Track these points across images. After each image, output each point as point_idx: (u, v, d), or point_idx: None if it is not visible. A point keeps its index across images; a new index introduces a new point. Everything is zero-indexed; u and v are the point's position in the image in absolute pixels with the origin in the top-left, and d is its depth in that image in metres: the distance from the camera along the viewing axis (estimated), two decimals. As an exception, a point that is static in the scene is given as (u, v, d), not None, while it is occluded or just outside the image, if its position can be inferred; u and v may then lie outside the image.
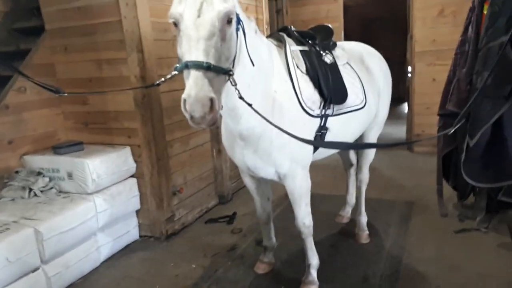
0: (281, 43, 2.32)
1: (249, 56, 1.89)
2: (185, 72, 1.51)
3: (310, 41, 2.43)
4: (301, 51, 2.33)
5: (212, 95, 1.45)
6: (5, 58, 3.68)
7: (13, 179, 3.05)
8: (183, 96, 1.46)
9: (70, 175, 3.02)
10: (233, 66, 1.66)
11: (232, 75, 1.61)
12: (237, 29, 1.71)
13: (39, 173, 3.11)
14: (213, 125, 1.52)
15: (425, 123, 5.28)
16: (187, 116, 1.48)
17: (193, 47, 1.50)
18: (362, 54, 2.85)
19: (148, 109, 3.16)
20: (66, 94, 2.01)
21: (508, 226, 3.14)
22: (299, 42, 2.38)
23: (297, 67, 2.26)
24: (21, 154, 3.25)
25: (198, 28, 1.50)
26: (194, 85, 1.44)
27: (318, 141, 2.34)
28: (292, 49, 2.28)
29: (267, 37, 2.45)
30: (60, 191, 3.10)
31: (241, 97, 1.70)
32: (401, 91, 8.42)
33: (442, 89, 3.44)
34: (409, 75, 5.69)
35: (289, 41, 2.31)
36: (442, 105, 3.38)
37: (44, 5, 3.43)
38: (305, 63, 2.30)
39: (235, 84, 1.63)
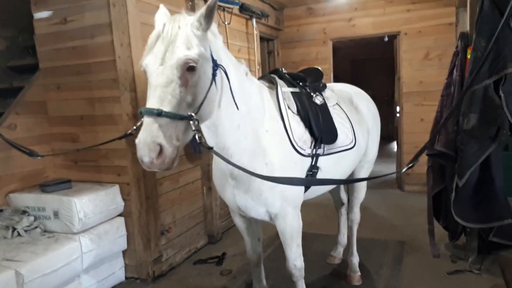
0: (272, 84, 2.36)
1: (234, 99, 1.91)
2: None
3: (300, 83, 2.50)
4: (292, 92, 2.38)
5: (161, 140, 1.51)
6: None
7: (-3, 218, 2.97)
8: (136, 141, 1.53)
9: (56, 214, 2.95)
10: (197, 112, 1.65)
11: (193, 120, 1.62)
12: (214, 74, 1.74)
13: (24, 212, 3.04)
14: (166, 169, 1.57)
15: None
16: (139, 160, 1.53)
17: (150, 95, 1.57)
18: (351, 95, 2.92)
19: (139, 147, 3.15)
20: (40, 158, 1.99)
21: (501, 268, 3.10)
22: (290, 84, 2.43)
23: (288, 107, 2.29)
24: (7, 192, 3.18)
25: (158, 76, 1.57)
26: (143, 131, 1.52)
27: (301, 179, 2.30)
28: (283, 90, 2.33)
29: (259, 78, 2.51)
30: (45, 231, 3.01)
31: (200, 142, 1.71)
32: (390, 130, 8.58)
33: (430, 130, 3.51)
34: (398, 114, 5.81)
35: (280, 82, 2.36)
36: (431, 146, 3.44)
37: (40, 44, 3.49)
38: (296, 104, 2.34)
39: (196, 130, 1.64)
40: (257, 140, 2.09)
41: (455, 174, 3.08)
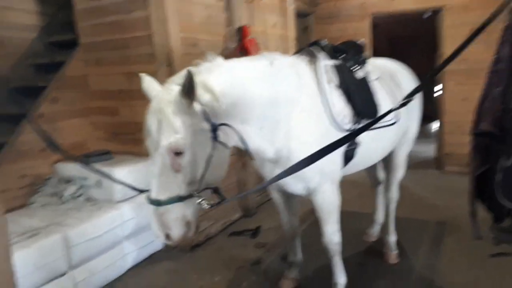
0: (312, 57, 2.30)
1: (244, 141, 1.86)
2: None
3: (341, 56, 2.42)
4: (332, 65, 2.31)
5: (164, 229, 1.61)
6: (40, 70, 3.84)
7: (44, 186, 3.12)
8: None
9: (98, 184, 3.07)
10: (201, 184, 1.63)
11: (196, 196, 1.62)
12: (214, 137, 1.67)
13: (69, 181, 3.18)
14: (185, 243, 1.67)
15: (456, 142, 5.15)
16: None
17: (150, 183, 1.62)
18: (392, 70, 2.82)
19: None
20: (64, 155, 1.88)
21: (548, 252, 2.97)
22: (330, 57, 2.36)
23: (329, 81, 2.23)
24: (53, 162, 3.33)
25: (153, 165, 1.61)
26: (151, 222, 1.64)
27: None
28: (323, 63, 2.26)
29: (298, 51, 2.45)
30: (89, 199, 3.15)
31: (212, 206, 1.68)
32: (429, 110, 8.27)
33: (475, 108, 3.34)
34: (438, 93, 5.58)
35: (321, 55, 2.29)
36: (476, 124, 3.28)
37: (79, 20, 3.57)
38: (337, 77, 2.27)
39: (202, 201, 1.63)
40: (289, 123, 2.05)
41: (502, 155, 2.94)
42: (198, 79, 1.61)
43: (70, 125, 3.54)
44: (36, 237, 2.47)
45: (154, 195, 1.60)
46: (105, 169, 3.01)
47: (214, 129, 1.67)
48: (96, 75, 3.61)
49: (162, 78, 3.12)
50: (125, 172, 3.05)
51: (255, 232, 3.68)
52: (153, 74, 3.14)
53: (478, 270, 2.85)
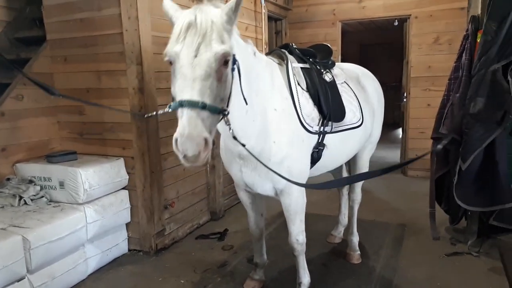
0: (282, 60, 2.35)
1: (242, 92, 1.88)
2: (179, 110, 1.49)
3: (310, 59, 2.48)
4: (302, 68, 2.37)
5: (206, 134, 1.47)
6: (4, 66, 3.71)
7: (3, 187, 3.01)
8: (176, 135, 1.46)
9: (61, 184, 2.99)
10: (227, 105, 1.65)
11: (226, 115, 1.63)
12: (233, 69, 1.70)
13: (30, 181, 3.08)
14: (206, 163, 1.57)
15: (418, 147, 5.34)
16: (180, 155, 1.47)
17: (188, 86, 1.49)
18: (358, 75, 2.91)
19: (144, 121, 3.16)
20: (60, 97, 1.87)
21: (499, 251, 3.13)
22: (300, 60, 2.42)
23: (298, 84, 2.29)
24: (14, 162, 3.22)
25: (194, 68, 1.49)
26: (188, 125, 1.44)
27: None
28: (293, 66, 2.32)
29: (268, 53, 2.50)
30: (51, 200, 3.06)
31: (234, 137, 1.75)
32: (396, 117, 8.51)
33: (436, 113, 3.50)
34: (404, 99, 5.77)
35: (290, 58, 2.35)
36: (436, 129, 3.44)
37: (47, 16, 3.48)
38: (306, 80, 2.34)
39: (229, 124, 1.66)
40: (265, 120, 2.09)
41: (459, 158, 3.09)
42: None
43: (34, 123, 3.44)
44: (-6, 239, 2.37)
45: (198, 97, 1.47)
46: (70, 168, 2.97)
47: (234, 60, 1.69)
48: (63, 73, 3.52)
49: (132, 77, 3.13)
50: (90, 172, 2.99)
51: (222, 235, 3.68)
52: (123, 73, 3.17)
53: (435, 268, 2.98)
